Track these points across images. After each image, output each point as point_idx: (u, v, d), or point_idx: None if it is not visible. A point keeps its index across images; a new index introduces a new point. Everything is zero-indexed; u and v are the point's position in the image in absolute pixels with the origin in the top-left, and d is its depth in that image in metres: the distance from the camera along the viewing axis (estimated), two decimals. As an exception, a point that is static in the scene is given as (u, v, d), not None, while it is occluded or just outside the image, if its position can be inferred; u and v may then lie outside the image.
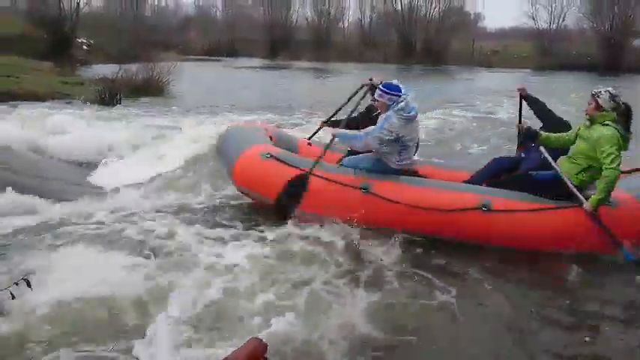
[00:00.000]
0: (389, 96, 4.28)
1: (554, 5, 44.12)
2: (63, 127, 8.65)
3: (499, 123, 11.54)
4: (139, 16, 45.79)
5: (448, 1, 46.57)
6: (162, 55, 22.76)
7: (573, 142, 4.13)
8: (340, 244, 4.03)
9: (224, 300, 3.16)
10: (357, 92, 5.00)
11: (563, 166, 4.06)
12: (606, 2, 38.85)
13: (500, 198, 4.08)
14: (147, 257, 3.71)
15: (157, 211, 4.72)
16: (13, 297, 2.16)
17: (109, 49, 28.64)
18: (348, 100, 5.06)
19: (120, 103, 12.76)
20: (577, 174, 3.98)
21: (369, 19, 52.47)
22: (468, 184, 4.43)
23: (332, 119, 5.30)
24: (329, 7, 51.04)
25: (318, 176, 4.33)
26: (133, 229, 4.24)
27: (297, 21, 52.33)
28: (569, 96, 15.62)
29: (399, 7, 47.56)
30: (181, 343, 2.70)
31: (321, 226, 4.18)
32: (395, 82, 4.38)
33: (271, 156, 4.54)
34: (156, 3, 52.72)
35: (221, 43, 48.64)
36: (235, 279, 3.42)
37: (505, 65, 38.64)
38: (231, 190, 5.13)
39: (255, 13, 54.35)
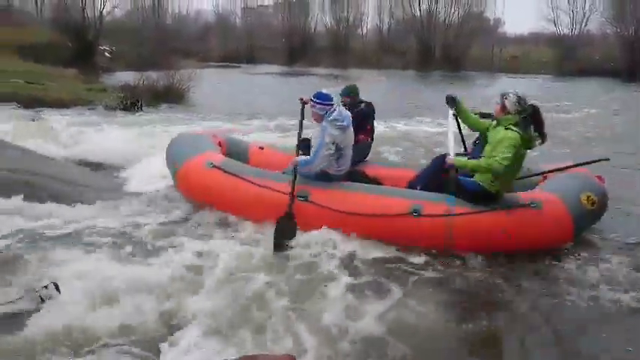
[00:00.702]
0: (320, 106, 4.35)
1: (575, 10, 43.56)
2: (86, 134, 8.90)
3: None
4: (160, 24, 46.58)
5: (467, 7, 46.29)
6: (182, 62, 23.15)
7: (485, 131, 4.21)
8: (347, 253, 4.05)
9: (245, 308, 3.20)
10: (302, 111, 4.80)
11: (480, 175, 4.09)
12: (630, 7, 38.13)
13: (430, 203, 4.12)
14: (170, 263, 3.77)
15: (178, 218, 4.79)
16: (43, 300, 2.23)
17: (130, 57, 29.24)
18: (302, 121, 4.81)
19: (141, 110, 13.00)
20: (492, 181, 4.00)
21: (387, 25, 52.51)
22: (402, 189, 4.46)
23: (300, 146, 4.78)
24: (348, 13, 51.20)
25: (258, 185, 4.40)
26: (154, 235, 4.33)
27: (315, 27, 52.62)
28: (593, 102, 15.40)
29: (418, 13, 47.48)
30: (204, 351, 2.74)
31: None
32: (324, 91, 4.44)
33: (214, 166, 4.64)
34: (177, 11, 53.51)
35: (240, 50, 49.15)
36: (254, 288, 3.46)
37: (525, 71, 38.22)
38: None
39: (274, 20, 54.79)
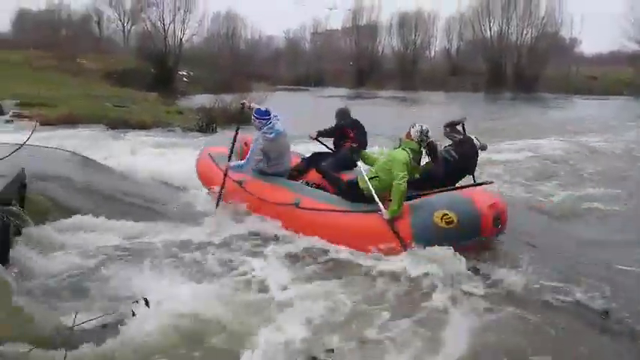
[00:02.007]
0: (258, 120, 5.36)
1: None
2: (165, 154, 9.47)
3: (597, 157, 10.51)
4: (235, 50, 48.86)
5: (541, 27, 44.70)
6: (254, 86, 24.11)
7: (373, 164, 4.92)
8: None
9: (312, 331, 3.28)
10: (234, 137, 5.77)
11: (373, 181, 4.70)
12: None
13: (308, 197, 4.98)
14: (240, 284, 3.92)
15: (248, 237, 5.01)
16: (134, 314, 2.40)
17: (206, 81, 30.89)
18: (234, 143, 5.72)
19: (216, 132, 13.61)
20: (382, 188, 4.63)
21: (456, 47, 51.75)
22: (295, 182, 5.45)
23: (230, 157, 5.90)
24: (415, 36, 51.12)
25: (221, 170, 5.55)
26: (232, 253, 4.56)
27: (383, 50, 52.92)
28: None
29: (489, 34, 46.48)
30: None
31: None
32: (264, 108, 5.46)
33: (209, 155, 6.04)
34: (250, 37, 55.91)
35: (309, 74, 50.42)
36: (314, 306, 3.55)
37: (604, 92, 36.17)
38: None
39: (342, 44, 55.74)
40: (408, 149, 4.66)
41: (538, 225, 5.82)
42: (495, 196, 5.00)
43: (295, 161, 5.91)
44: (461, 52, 51.11)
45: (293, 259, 4.49)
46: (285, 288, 3.86)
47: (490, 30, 46.40)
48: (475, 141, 5.52)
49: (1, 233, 3.83)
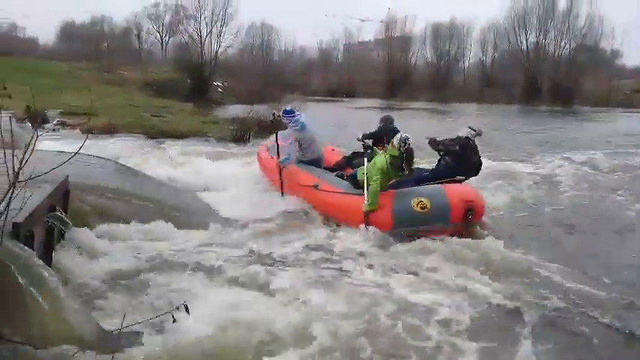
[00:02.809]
0: (286, 118, 6.89)
1: None
2: (201, 163, 9.65)
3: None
4: (268, 61, 49.60)
5: (580, 38, 43.64)
6: (287, 96, 24.37)
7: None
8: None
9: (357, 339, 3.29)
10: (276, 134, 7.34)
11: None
12: None
13: (325, 181, 6.21)
14: (279, 294, 3.93)
15: (289, 245, 5.10)
16: (175, 320, 2.44)
17: (240, 91, 31.41)
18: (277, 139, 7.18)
19: (249, 142, 13.77)
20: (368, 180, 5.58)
21: (491, 59, 51.03)
22: (319, 170, 6.73)
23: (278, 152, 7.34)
24: (449, 47, 50.70)
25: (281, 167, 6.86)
26: (267, 260, 4.64)
27: (416, 62, 52.65)
28: None
29: (525, 46, 45.68)
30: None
31: None
32: (289, 107, 7.14)
33: (267, 148, 7.79)
34: (283, 48, 56.66)
35: (341, 84, 50.54)
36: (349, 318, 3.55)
37: (648, 105, 34.93)
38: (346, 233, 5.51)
39: (375, 55, 55.77)
40: (388, 155, 5.53)
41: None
42: (472, 192, 5.81)
43: (337, 158, 7.40)
44: (495, 63, 50.38)
45: (333, 272, 4.50)
46: (324, 302, 3.82)
47: (527, 41, 45.68)
48: (470, 135, 6.26)
49: (46, 237, 3.98)
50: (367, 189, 5.49)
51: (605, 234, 6.12)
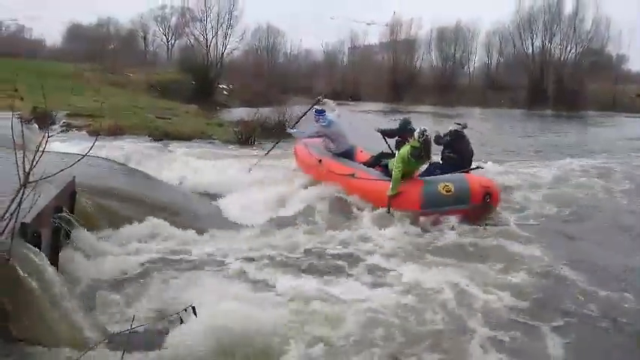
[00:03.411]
0: (316, 116, 7.95)
1: None
2: (205, 166, 9.66)
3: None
4: (273, 63, 49.64)
5: (586, 42, 43.47)
6: (292, 99, 24.35)
7: None
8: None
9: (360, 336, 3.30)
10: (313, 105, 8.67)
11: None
12: None
13: (360, 171, 7.16)
14: (287, 296, 3.93)
15: (285, 249, 5.07)
16: (182, 321, 2.45)
17: (245, 94, 31.43)
18: (307, 112, 8.74)
19: (254, 144, 13.78)
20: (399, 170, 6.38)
21: (496, 62, 50.89)
22: (354, 162, 7.69)
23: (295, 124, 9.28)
24: (454, 51, 50.63)
25: (311, 155, 8.20)
26: (273, 263, 4.65)
27: (421, 65, 52.58)
28: None
29: (530, 50, 45.55)
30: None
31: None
32: (320, 108, 8.12)
33: (305, 145, 8.61)
34: (288, 51, 56.69)
35: (346, 87, 50.47)
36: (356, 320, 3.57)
37: (654, 110, 34.70)
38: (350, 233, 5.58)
39: (380, 58, 55.72)
40: (409, 147, 6.36)
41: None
42: (490, 180, 6.86)
43: (366, 158, 8.03)
44: (501, 67, 50.25)
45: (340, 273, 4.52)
46: (332, 301, 3.84)
47: (532, 45, 45.55)
48: (459, 128, 7.40)
49: (53, 238, 4.00)
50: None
51: (615, 236, 6.18)
